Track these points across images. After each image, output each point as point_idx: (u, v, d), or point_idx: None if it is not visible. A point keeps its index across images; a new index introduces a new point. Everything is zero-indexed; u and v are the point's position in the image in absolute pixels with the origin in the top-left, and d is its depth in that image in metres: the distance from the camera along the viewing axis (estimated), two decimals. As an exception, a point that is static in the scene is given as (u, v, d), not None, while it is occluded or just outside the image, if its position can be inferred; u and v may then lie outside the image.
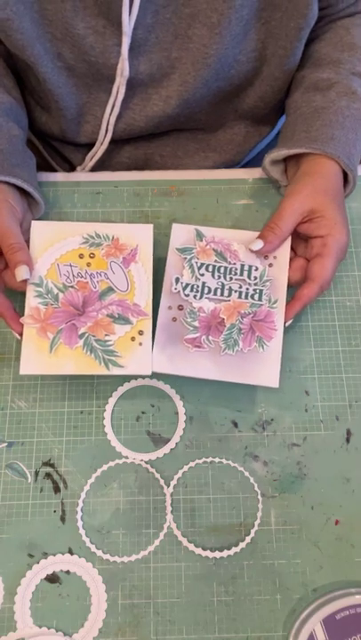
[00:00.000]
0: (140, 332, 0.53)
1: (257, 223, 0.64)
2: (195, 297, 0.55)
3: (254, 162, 0.82)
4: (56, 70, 0.63)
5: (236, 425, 0.57)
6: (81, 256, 0.56)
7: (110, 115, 0.67)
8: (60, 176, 0.68)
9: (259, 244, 0.56)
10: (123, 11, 0.56)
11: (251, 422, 0.57)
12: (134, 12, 0.56)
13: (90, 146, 0.72)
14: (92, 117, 0.69)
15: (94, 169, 0.74)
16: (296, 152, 0.59)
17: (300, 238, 0.59)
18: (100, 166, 0.74)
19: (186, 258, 0.57)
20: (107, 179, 0.68)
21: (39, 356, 0.52)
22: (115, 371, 0.52)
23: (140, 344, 0.53)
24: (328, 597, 0.49)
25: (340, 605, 0.48)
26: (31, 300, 0.54)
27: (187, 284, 0.56)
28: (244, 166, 0.82)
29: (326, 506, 0.54)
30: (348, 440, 0.56)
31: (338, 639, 0.47)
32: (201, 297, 0.55)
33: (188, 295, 0.55)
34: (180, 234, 0.58)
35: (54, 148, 0.78)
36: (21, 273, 0.53)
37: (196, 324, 0.54)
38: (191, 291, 0.55)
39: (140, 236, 0.57)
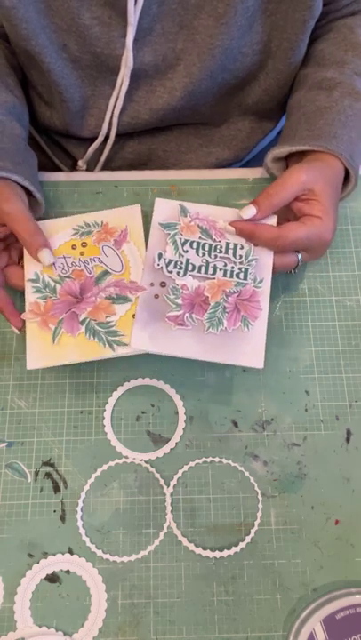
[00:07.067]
0: None
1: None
2: (178, 274, 0.54)
3: (257, 159, 0.82)
4: (61, 62, 0.63)
5: (236, 425, 0.57)
6: (74, 247, 0.56)
7: (114, 107, 0.66)
8: (60, 175, 0.68)
9: (251, 211, 0.54)
10: (128, 0, 0.56)
11: (251, 422, 0.57)
12: (140, 2, 0.56)
13: (94, 141, 0.71)
14: (96, 110, 0.69)
15: (95, 164, 0.74)
16: (299, 149, 0.59)
17: (285, 222, 0.58)
18: (104, 161, 0.74)
19: (169, 234, 0.55)
20: (107, 178, 0.68)
21: (43, 348, 0.52)
22: (120, 350, 0.52)
23: None
24: (328, 597, 0.49)
25: (340, 605, 0.48)
26: (30, 296, 0.54)
27: (170, 261, 0.54)
28: (247, 164, 0.82)
29: (326, 506, 0.54)
30: (348, 440, 0.56)
31: (338, 639, 0.47)
32: (185, 274, 0.54)
33: (171, 272, 0.54)
34: (164, 209, 0.57)
35: (57, 143, 0.78)
36: (46, 257, 0.53)
37: (179, 301, 0.53)
38: (175, 267, 0.54)
39: (128, 217, 0.57)
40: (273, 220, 0.56)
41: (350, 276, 0.63)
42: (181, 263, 0.54)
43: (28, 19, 0.58)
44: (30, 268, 0.55)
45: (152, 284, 0.54)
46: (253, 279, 0.54)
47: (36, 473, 0.55)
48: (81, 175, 0.69)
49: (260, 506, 0.54)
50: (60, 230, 0.57)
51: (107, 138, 0.70)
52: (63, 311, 0.53)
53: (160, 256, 0.54)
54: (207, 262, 0.54)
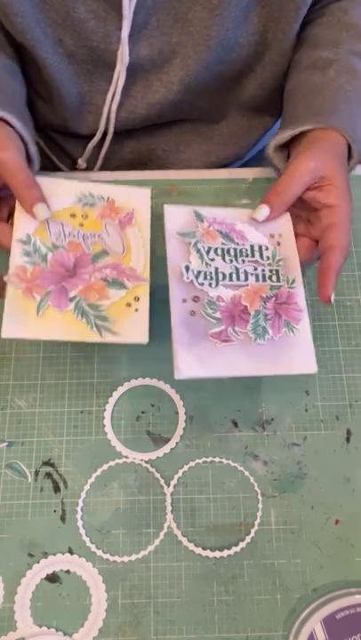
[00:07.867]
0: (137, 299, 0.50)
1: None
2: (210, 285, 0.50)
3: (258, 159, 0.82)
4: (57, 57, 0.63)
5: (236, 425, 0.57)
6: (73, 215, 0.52)
7: (111, 102, 0.66)
8: (60, 175, 0.68)
9: (264, 212, 0.53)
10: None
11: (251, 422, 0.57)
12: None
13: (92, 138, 0.71)
14: (93, 107, 0.69)
15: (94, 163, 0.74)
16: (301, 130, 0.57)
17: (300, 217, 0.57)
18: (103, 161, 0.74)
19: (190, 242, 0.51)
20: (106, 178, 0.68)
21: (25, 318, 0.47)
22: (109, 338, 0.48)
23: (137, 310, 0.49)
24: (328, 597, 0.49)
25: (340, 605, 0.48)
26: (17, 259, 0.49)
27: (198, 272, 0.50)
28: (248, 162, 0.82)
29: (326, 506, 0.54)
30: (348, 440, 0.56)
31: (338, 639, 0.47)
32: (217, 284, 0.50)
33: (202, 284, 0.50)
34: (176, 216, 0.52)
35: (56, 143, 0.78)
36: (42, 211, 0.49)
37: (218, 315, 0.49)
38: (205, 278, 0.50)
39: (136, 200, 0.53)
40: (287, 217, 0.55)
41: (350, 276, 0.63)
42: (211, 273, 0.50)
43: (23, 13, 0.58)
44: (22, 227, 0.50)
45: (184, 300, 0.49)
46: (286, 280, 0.52)
47: (36, 473, 0.55)
48: (80, 175, 0.69)
49: (260, 506, 0.54)
50: (61, 194, 0.52)
51: (105, 134, 0.70)
52: (52, 283, 0.48)
53: (187, 268, 0.50)
54: (237, 268, 0.51)
